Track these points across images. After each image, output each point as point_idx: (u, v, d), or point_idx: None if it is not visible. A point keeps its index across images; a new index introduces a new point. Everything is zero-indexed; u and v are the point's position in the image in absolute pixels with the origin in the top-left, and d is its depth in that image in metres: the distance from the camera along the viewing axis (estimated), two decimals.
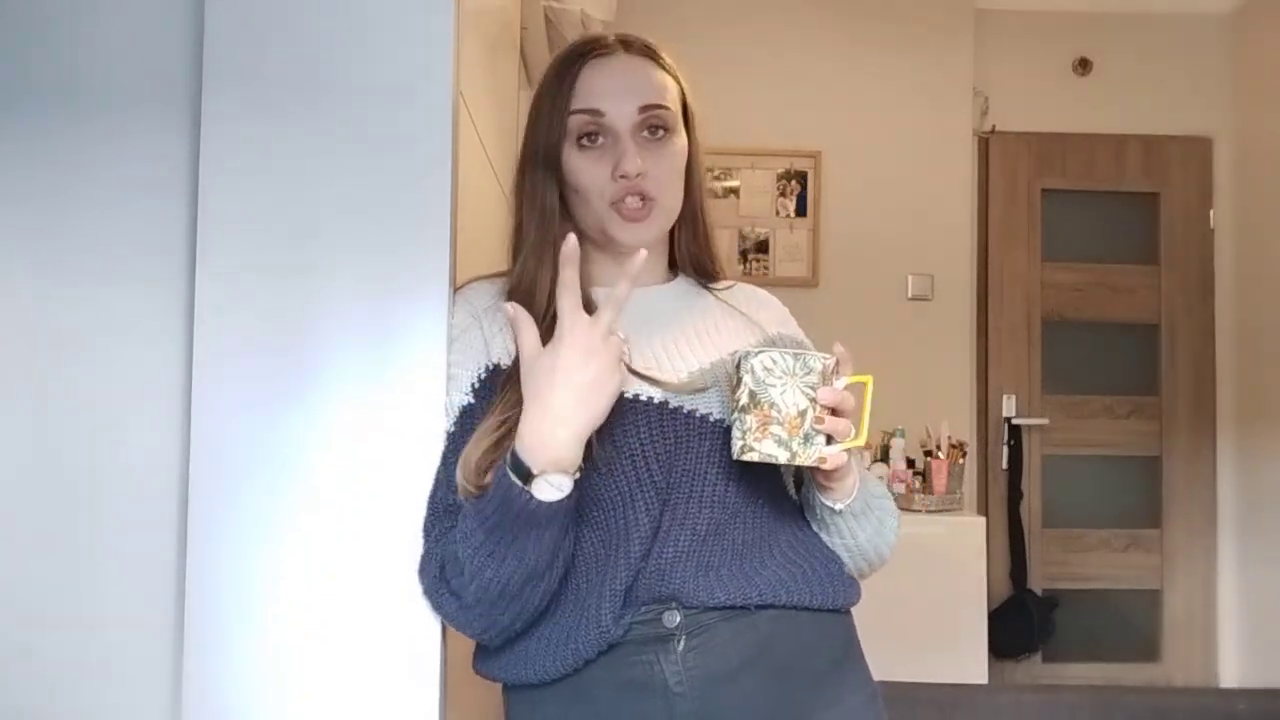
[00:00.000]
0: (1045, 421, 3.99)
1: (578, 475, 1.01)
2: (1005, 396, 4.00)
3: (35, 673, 1.15)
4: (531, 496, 0.98)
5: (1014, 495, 3.96)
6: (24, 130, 1.17)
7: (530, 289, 1.12)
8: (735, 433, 1.04)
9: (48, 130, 1.17)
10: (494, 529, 1.00)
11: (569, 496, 1.01)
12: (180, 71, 1.17)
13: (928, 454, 3.49)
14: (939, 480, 3.43)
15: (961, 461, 3.53)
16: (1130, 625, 4.01)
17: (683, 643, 1.05)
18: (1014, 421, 3.98)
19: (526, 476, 0.99)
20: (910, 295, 3.87)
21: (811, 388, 1.03)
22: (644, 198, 1.13)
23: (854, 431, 1.06)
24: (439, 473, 1.10)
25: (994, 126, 4.04)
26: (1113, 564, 4.01)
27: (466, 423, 1.09)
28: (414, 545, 1.10)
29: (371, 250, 1.12)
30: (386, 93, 1.14)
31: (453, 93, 1.15)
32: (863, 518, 1.14)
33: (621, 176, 1.12)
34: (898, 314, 3.84)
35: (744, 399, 1.04)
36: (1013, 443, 3.97)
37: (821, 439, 1.04)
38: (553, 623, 1.08)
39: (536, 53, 2.57)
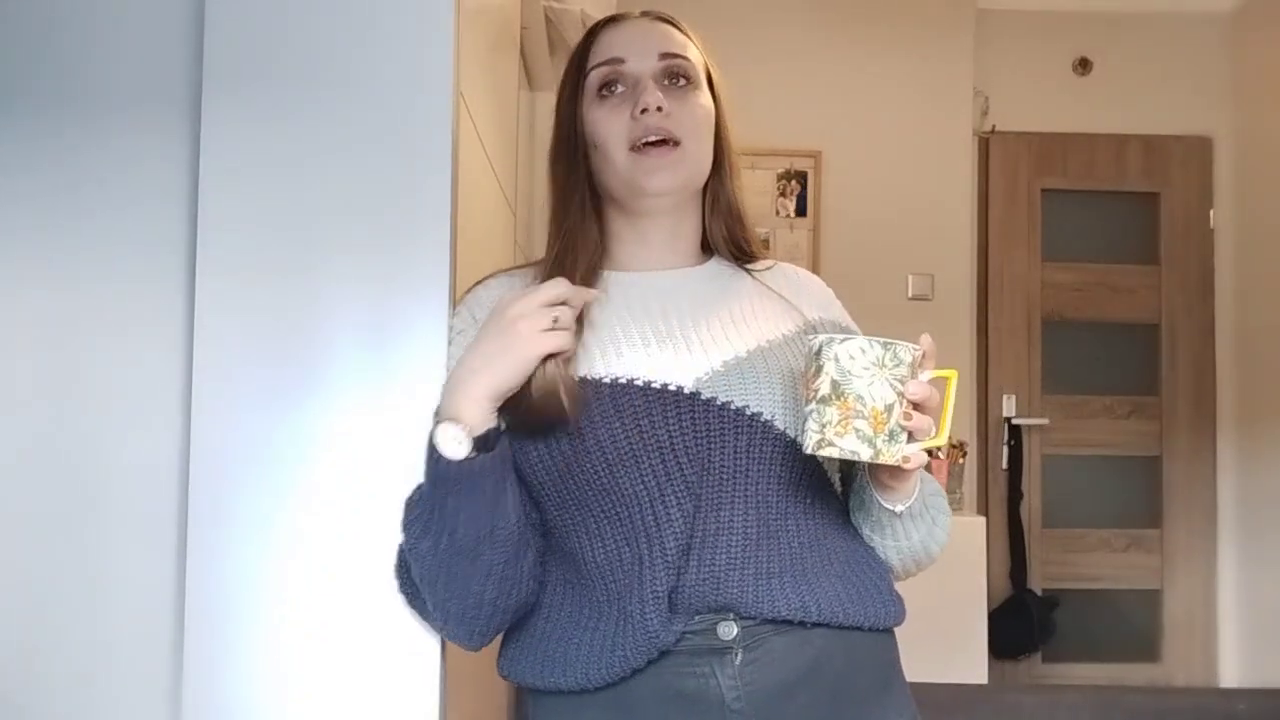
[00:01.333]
0: (1045, 421, 3.99)
1: (482, 445, 0.98)
2: (1005, 396, 4.00)
3: (36, 672, 1.14)
4: (439, 454, 0.98)
5: (1014, 495, 3.96)
6: (25, 132, 1.17)
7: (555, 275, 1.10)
8: (811, 425, 0.96)
9: (49, 131, 1.17)
10: (423, 497, 1.02)
11: (476, 460, 0.98)
12: (181, 72, 1.17)
13: (928, 454, 3.49)
14: (939, 480, 3.43)
15: (961, 461, 3.53)
16: (1130, 625, 4.01)
17: (740, 656, 1.00)
18: (1014, 421, 3.98)
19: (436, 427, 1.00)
20: (910, 295, 3.87)
21: (900, 380, 0.96)
22: (668, 139, 1.09)
23: (934, 430, 1.00)
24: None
25: (994, 126, 4.04)
26: (1113, 564, 4.00)
27: None
28: None
29: (371, 250, 1.12)
30: (386, 93, 1.14)
31: (453, 93, 1.15)
32: (919, 518, 1.08)
33: (642, 112, 1.08)
34: (898, 314, 3.84)
35: (824, 389, 0.96)
36: (1013, 443, 3.97)
37: (904, 436, 0.97)
38: (591, 628, 1.03)
39: (536, 53, 2.57)
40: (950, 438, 1.05)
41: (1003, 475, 3.98)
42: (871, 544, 1.11)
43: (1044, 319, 4.05)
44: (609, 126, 1.10)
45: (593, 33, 1.16)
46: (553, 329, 0.99)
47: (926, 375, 0.99)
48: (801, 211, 3.88)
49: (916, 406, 0.98)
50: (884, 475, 1.03)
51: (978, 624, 3.35)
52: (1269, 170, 3.84)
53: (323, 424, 1.11)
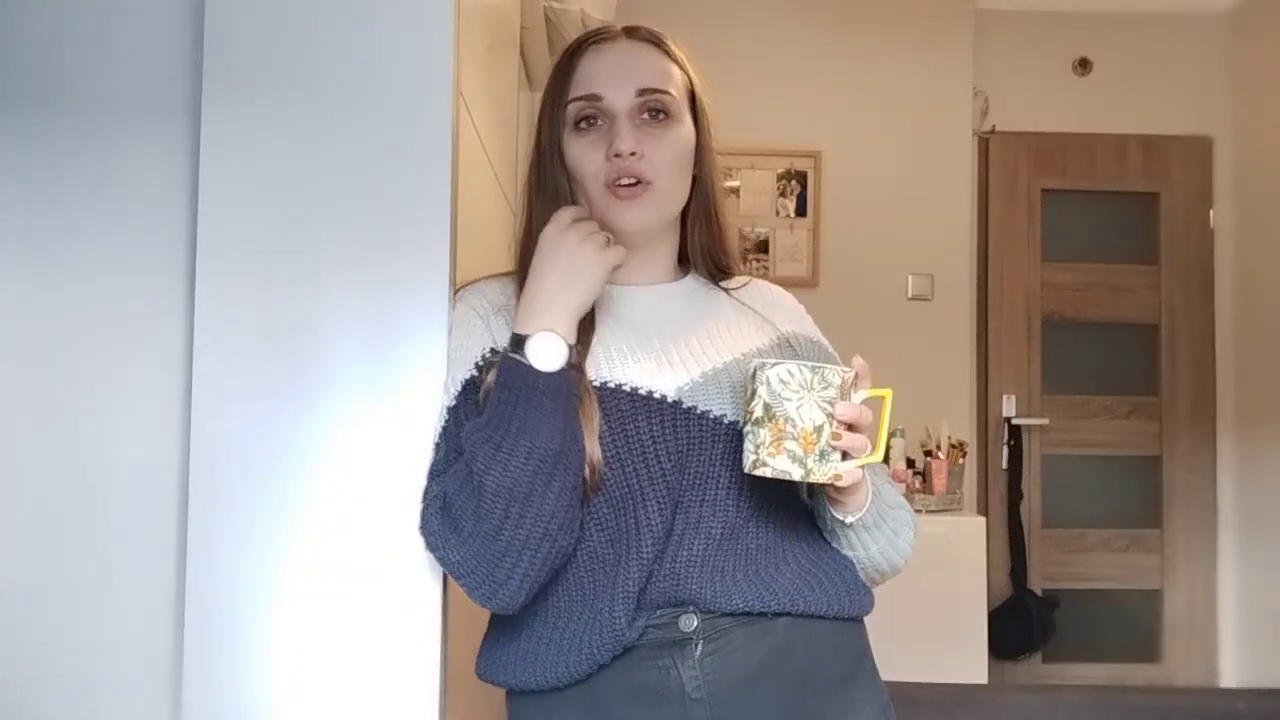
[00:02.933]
0: (1045, 421, 3.99)
1: (574, 357, 1.02)
2: (1005, 396, 4.00)
3: (36, 672, 1.14)
4: (529, 367, 1.00)
5: (1014, 495, 3.96)
6: (25, 138, 1.17)
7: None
8: (748, 446, 1.01)
9: (49, 137, 1.17)
10: (496, 417, 1.01)
11: (564, 372, 1.01)
12: (180, 73, 1.17)
13: (928, 454, 3.49)
14: (939, 480, 3.43)
15: (961, 461, 3.53)
16: (1130, 625, 4.01)
17: (700, 647, 1.04)
18: (1014, 421, 3.98)
19: (521, 346, 1.01)
20: (910, 295, 3.87)
21: (829, 402, 1.00)
22: (639, 180, 1.11)
23: (870, 447, 1.03)
24: (438, 442, 1.08)
25: (994, 126, 4.04)
26: (1113, 564, 4.00)
27: (469, 396, 1.07)
28: (413, 545, 1.09)
29: (371, 251, 1.12)
30: (386, 93, 1.14)
31: (453, 93, 1.15)
32: (875, 530, 1.11)
33: (615, 155, 1.09)
34: (898, 314, 3.84)
35: (758, 411, 1.01)
36: (1013, 443, 3.97)
37: (837, 455, 1.01)
38: (562, 626, 1.06)
39: (536, 53, 2.58)
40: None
41: (1003, 475, 3.98)
42: None
43: (1044, 319, 4.04)
44: (585, 163, 1.12)
45: (573, 55, 1.15)
46: (608, 246, 1.06)
47: (861, 395, 1.04)
48: (801, 211, 3.88)
49: (851, 427, 1.01)
50: (829, 489, 1.06)
51: (978, 624, 3.35)
52: (1269, 170, 3.84)
53: (322, 424, 1.11)
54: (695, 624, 1.04)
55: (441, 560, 1.05)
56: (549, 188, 1.14)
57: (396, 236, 1.13)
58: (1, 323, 1.16)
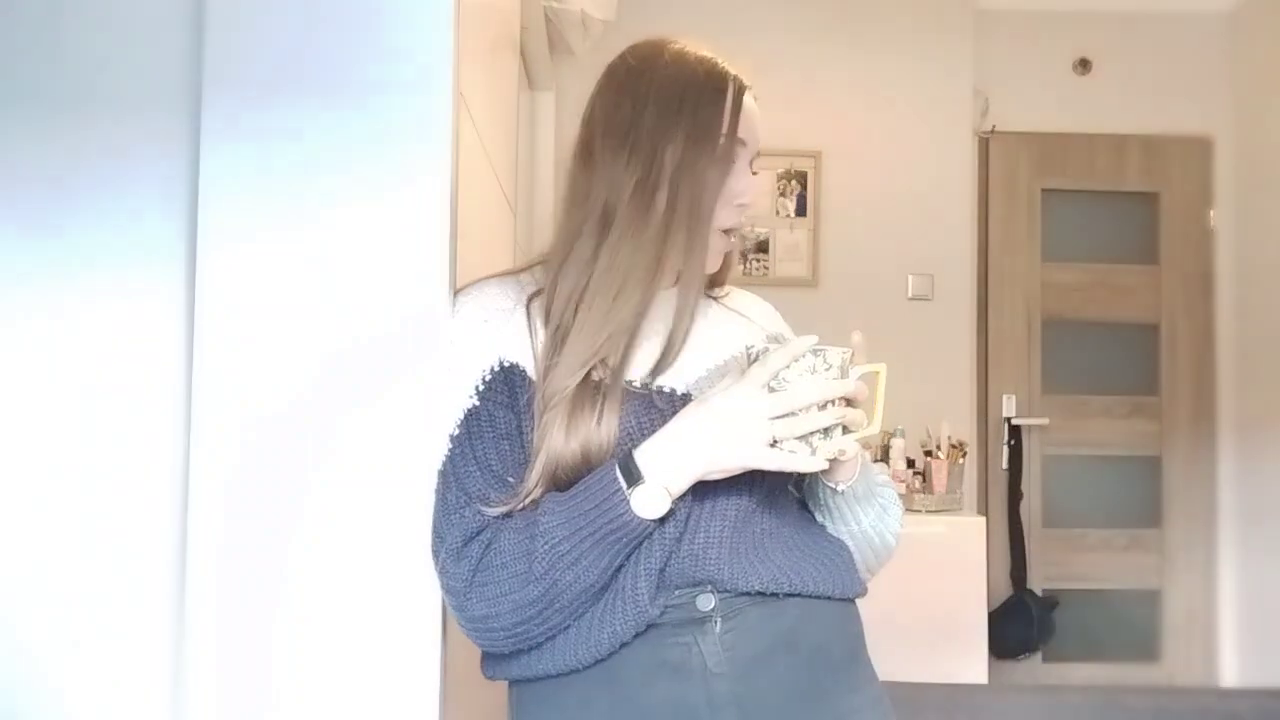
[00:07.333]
0: (1045, 421, 3.99)
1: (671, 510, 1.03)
2: (1005, 396, 4.00)
3: (36, 672, 1.15)
4: (630, 509, 1.01)
5: (1014, 495, 3.96)
6: (25, 138, 1.18)
7: (621, 286, 1.11)
8: None
9: (50, 137, 1.18)
10: (577, 532, 1.02)
11: (656, 522, 1.03)
12: (181, 74, 1.18)
13: (928, 454, 3.49)
14: (939, 480, 3.43)
15: (961, 461, 3.53)
16: (1130, 625, 4.01)
17: (719, 625, 1.07)
18: (1014, 421, 3.98)
19: (633, 480, 1.02)
20: (910, 295, 3.87)
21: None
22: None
23: (867, 420, 1.06)
24: (447, 476, 1.07)
25: (994, 126, 4.04)
26: (1113, 564, 4.01)
27: (472, 426, 1.07)
28: (413, 546, 1.10)
29: (371, 251, 1.13)
30: (386, 93, 1.14)
31: (453, 93, 1.15)
32: (865, 502, 1.16)
33: (741, 205, 1.17)
34: (898, 314, 3.84)
35: None
36: (1013, 443, 3.97)
37: (839, 430, 1.04)
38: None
39: (536, 53, 2.58)
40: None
41: (1003, 475, 3.98)
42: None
43: (1044, 319, 4.05)
44: (712, 194, 1.14)
45: (738, 89, 1.16)
46: (775, 445, 1.02)
47: (857, 371, 1.06)
48: (801, 211, 3.88)
49: (849, 403, 1.05)
50: None
51: (978, 624, 3.35)
52: (1269, 170, 3.84)
53: (323, 426, 1.11)
54: (713, 603, 1.07)
55: (458, 610, 1.06)
56: (648, 204, 1.12)
57: (396, 237, 1.13)
58: (1, 323, 1.16)
